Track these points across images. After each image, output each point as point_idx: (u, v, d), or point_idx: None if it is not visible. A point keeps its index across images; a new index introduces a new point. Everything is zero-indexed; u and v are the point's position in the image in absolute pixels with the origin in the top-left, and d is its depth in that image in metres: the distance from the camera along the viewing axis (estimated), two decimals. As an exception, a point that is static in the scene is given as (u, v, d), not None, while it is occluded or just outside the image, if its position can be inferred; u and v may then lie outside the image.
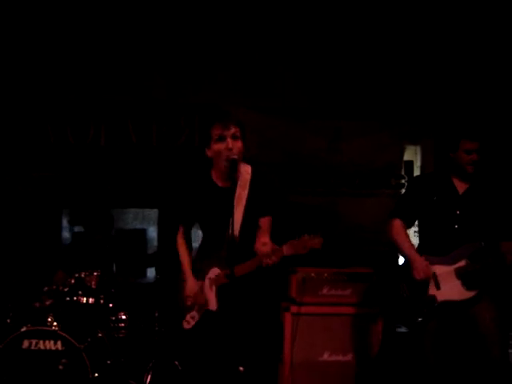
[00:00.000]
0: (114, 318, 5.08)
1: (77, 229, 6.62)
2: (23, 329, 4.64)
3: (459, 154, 4.21)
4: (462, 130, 4.28)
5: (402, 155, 6.71)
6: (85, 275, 5.00)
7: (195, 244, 4.18)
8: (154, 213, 6.79)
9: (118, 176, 6.45)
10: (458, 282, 4.11)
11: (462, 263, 4.12)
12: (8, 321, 4.95)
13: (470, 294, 4.09)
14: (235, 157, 3.66)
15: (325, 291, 5.15)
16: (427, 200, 4.31)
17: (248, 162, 3.86)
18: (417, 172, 6.70)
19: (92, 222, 5.79)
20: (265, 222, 3.77)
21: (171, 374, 5.18)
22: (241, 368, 3.77)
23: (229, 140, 3.66)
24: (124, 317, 5.13)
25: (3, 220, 6.27)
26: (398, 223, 4.37)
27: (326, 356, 5.09)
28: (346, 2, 6.32)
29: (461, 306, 4.13)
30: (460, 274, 4.10)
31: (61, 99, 6.47)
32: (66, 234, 6.64)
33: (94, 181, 6.41)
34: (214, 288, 3.77)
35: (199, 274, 3.87)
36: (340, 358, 5.08)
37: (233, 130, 3.67)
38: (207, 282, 3.82)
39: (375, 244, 6.35)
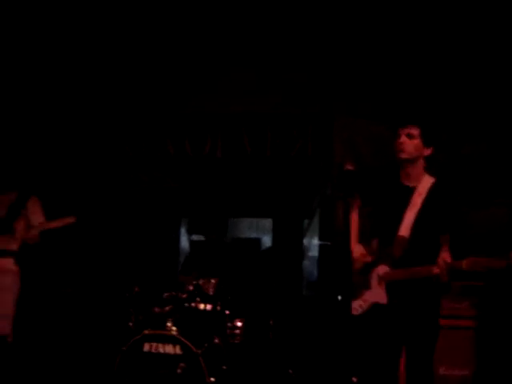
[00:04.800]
0: (230, 325, 5.14)
1: (194, 237, 6.84)
2: (144, 332, 4.85)
3: None
4: None
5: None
6: (203, 282, 5.17)
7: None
8: (268, 222, 6.88)
9: (233, 186, 6.59)
10: None
11: None
12: (130, 325, 5.16)
13: None
14: (404, 155, 3.90)
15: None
16: None
17: (434, 175, 4.03)
18: None
19: (210, 230, 5.95)
20: (445, 239, 3.90)
21: (285, 382, 5.24)
22: (354, 379, 3.84)
23: (402, 138, 3.89)
24: (240, 324, 5.19)
25: (126, 230, 6.57)
26: None
27: (442, 370, 4.98)
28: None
29: None
30: None
31: (179, 113, 6.71)
32: (184, 243, 6.86)
33: (210, 191, 6.59)
34: (382, 284, 3.93)
35: (366, 268, 4.03)
36: (457, 372, 4.96)
37: (408, 130, 3.90)
38: (375, 276, 3.97)
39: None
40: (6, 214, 5.12)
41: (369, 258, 4.01)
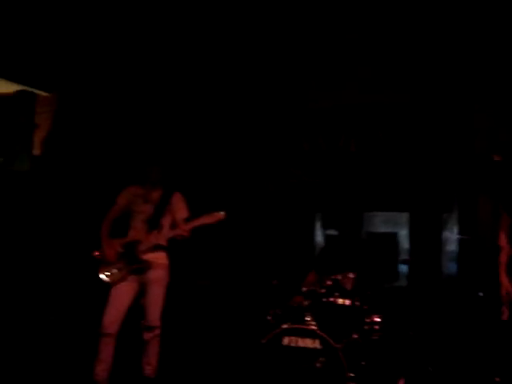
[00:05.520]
0: (368, 321, 5.09)
1: (330, 232, 6.81)
2: (284, 326, 4.89)
3: None
4: None
5: None
6: (341, 277, 5.15)
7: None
8: (404, 216, 6.73)
9: (368, 180, 6.52)
10: None
11: None
12: (269, 318, 5.21)
13: None
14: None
15: None
16: None
17: None
18: None
19: (344, 225, 5.90)
20: None
21: (424, 379, 5.13)
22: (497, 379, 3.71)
23: None
24: (378, 319, 5.12)
25: (263, 224, 6.68)
26: None
27: None
28: None
29: None
30: None
31: (313, 109, 6.74)
32: (319, 238, 6.85)
33: (345, 186, 6.56)
34: None
35: None
36: None
37: None
38: None
39: None
40: (154, 211, 5.21)
41: None
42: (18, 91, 7.87)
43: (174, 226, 5.16)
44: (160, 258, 5.20)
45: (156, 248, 5.15)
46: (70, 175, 7.26)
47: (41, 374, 5.53)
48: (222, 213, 4.92)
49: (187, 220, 5.06)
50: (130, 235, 5.24)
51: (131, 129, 7.10)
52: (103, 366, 5.02)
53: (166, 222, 5.21)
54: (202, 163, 6.96)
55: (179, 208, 5.23)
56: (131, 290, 5.12)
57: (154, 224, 5.17)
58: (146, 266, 5.09)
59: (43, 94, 7.86)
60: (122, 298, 5.09)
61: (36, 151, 7.80)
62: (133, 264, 5.08)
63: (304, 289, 5.12)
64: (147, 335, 5.12)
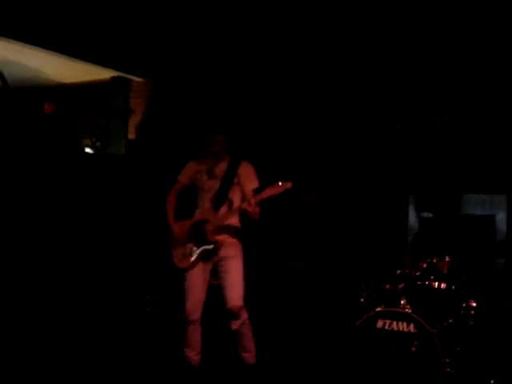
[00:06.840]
0: (464, 305, 4.97)
1: (424, 214, 6.67)
2: (378, 309, 4.85)
3: None
4: None
5: None
6: (437, 260, 5.04)
7: None
8: (502, 199, 6.50)
9: (464, 161, 6.34)
10: None
11: None
12: (362, 300, 5.19)
13: None
14: None
15: None
16: None
17: None
18: None
19: (440, 208, 5.78)
20: None
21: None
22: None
23: None
24: (474, 304, 4.99)
25: (355, 206, 6.63)
26: None
27: None
28: None
29: None
30: None
31: (406, 87, 6.62)
32: (413, 220, 6.73)
33: (440, 167, 6.41)
34: None
35: None
36: None
37: None
38: None
39: None
40: (220, 185, 4.75)
41: None
42: (114, 77, 8.14)
43: (244, 199, 4.67)
44: (231, 237, 4.79)
45: (226, 227, 4.73)
46: (164, 158, 7.43)
47: (137, 359, 5.66)
48: (289, 182, 4.41)
49: (256, 192, 4.53)
50: (197, 215, 4.84)
51: (225, 112, 7.18)
52: (195, 352, 4.89)
53: (236, 195, 4.76)
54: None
55: (247, 178, 4.72)
56: (206, 273, 4.83)
57: (221, 200, 4.73)
58: (216, 247, 4.71)
59: (137, 79, 8.09)
60: (197, 283, 4.80)
61: (131, 135, 8.06)
62: (202, 246, 4.72)
63: (398, 271, 5.06)
64: (234, 324, 4.77)
